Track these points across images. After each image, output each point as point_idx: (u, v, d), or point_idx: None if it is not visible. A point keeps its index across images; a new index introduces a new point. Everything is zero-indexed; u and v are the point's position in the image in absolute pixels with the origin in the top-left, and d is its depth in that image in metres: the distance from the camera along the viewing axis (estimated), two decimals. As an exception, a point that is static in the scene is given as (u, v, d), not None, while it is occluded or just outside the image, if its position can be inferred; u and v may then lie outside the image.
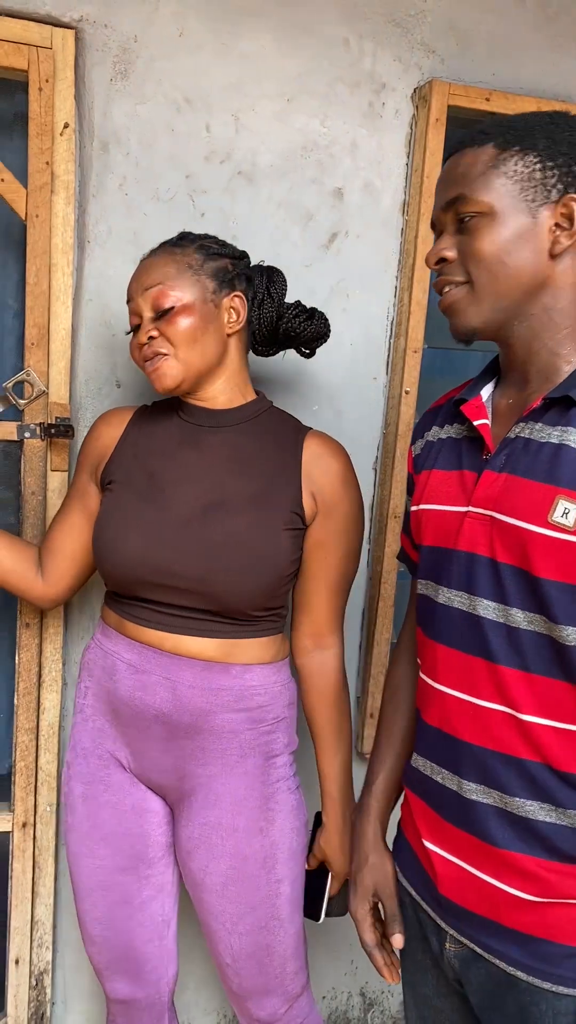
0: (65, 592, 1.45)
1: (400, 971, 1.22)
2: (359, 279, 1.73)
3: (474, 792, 1.02)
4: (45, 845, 1.68)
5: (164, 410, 1.43)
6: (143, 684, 1.31)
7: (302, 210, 1.68)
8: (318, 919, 1.46)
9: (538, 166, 0.98)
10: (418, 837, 1.11)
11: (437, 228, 1.07)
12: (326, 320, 1.46)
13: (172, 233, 1.59)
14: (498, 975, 1.03)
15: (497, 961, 1.02)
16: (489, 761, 1.01)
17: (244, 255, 1.40)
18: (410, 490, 1.24)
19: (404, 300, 1.73)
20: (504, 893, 1.01)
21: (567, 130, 1.00)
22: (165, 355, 1.29)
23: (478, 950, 1.04)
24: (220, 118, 1.62)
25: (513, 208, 0.98)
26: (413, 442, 1.23)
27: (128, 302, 1.34)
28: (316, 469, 1.35)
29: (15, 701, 1.63)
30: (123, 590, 1.34)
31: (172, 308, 1.29)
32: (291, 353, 1.65)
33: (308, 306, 1.46)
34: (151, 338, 1.30)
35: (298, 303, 1.44)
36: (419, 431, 1.22)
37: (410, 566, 1.28)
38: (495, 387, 1.11)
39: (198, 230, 1.60)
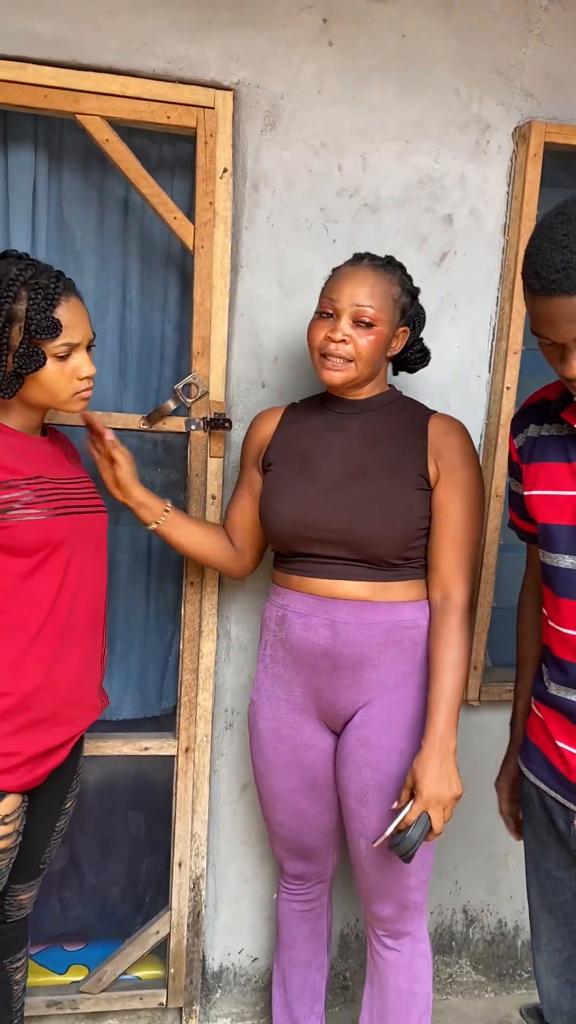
0: (252, 561, 1.80)
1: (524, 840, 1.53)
2: (466, 291, 2.02)
3: None
4: (201, 769, 2.02)
5: (312, 404, 1.74)
6: (308, 625, 1.63)
7: (417, 234, 1.98)
8: (406, 859, 1.50)
9: None
10: (551, 740, 1.39)
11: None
12: (429, 358, 1.78)
13: (310, 258, 1.92)
14: None
15: None
16: None
17: (415, 291, 1.68)
18: (513, 473, 1.52)
19: (505, 309, 2.01)
20: None
21: None
22: (349, 362, 1.58)
23: None
24: (350, 159, 1.93)
25: None
26: (514, 435, 1.49)
27: (328, 296, 1.59)
28: (440, 441, 1.61)
29: (180, 647, 1.97)
30: (284, 548, 1.66)
31: (371, 326, 1.57)
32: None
33: (424, 347, 1.76)
34: (344, 340, 1.57)
35: (421, 341, 1.75)
36: (518, 426, 1.47)
37: (519, 534, 1.57)
38: None
39: (330, 255, 1.92)
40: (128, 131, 1.85)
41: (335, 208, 1.94)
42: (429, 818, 1.51)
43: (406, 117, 1.93)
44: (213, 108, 1.83)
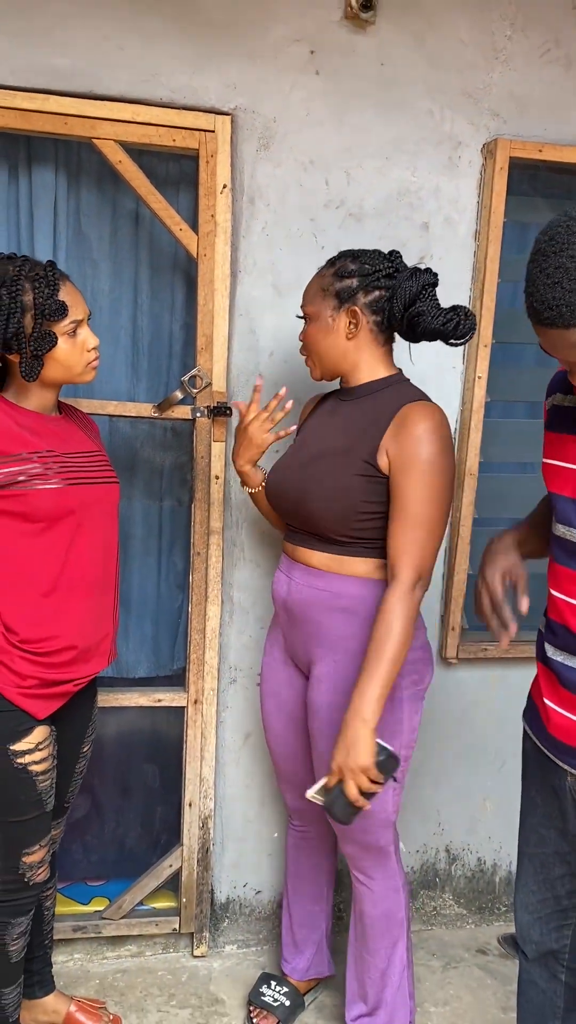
0: None
1: (508, 640, 1.55)
2: (442, 291, 2.24)
3: None
4: (209, 719, 2.27)
5: (330, 393, 1.94)
6: (277, 580, 1.91)
7: (397, 241, 2.21)
8: (340, 821, 1.65)
9: None
10: (541, 696, 1.54)
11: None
12: (469, 317, 1.69)
13: (301, 263, 2.16)
14: None
15: None
16: None
17: (378, 268, 1.71)
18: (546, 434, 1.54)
19: (476, 306, 2.25)
20: None
21: None
22: (308, 356, 1.84)
23: None
24: (336, 174, 2.16)
25: None
26: (549, 395, 1.53)
27: None
28: (396, 431, 1.67)
29: (189, 609, 2.22)
30: (278, 514, 1.92)
31: (308, 321, 1.81)
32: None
33: (439, 307, 1.71)
34: (302, 342, 1.84)
35: (434, 302, 1.70)
36: (550, 390, 1.52)
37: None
38: None
39: (319, 260, 2.15)
40: (138, 152, 2.09)
41: (323, 218, 2.17)
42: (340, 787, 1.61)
43: (385, 136, 2.17)
44: (213, 131, 2.07)
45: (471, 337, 1.73)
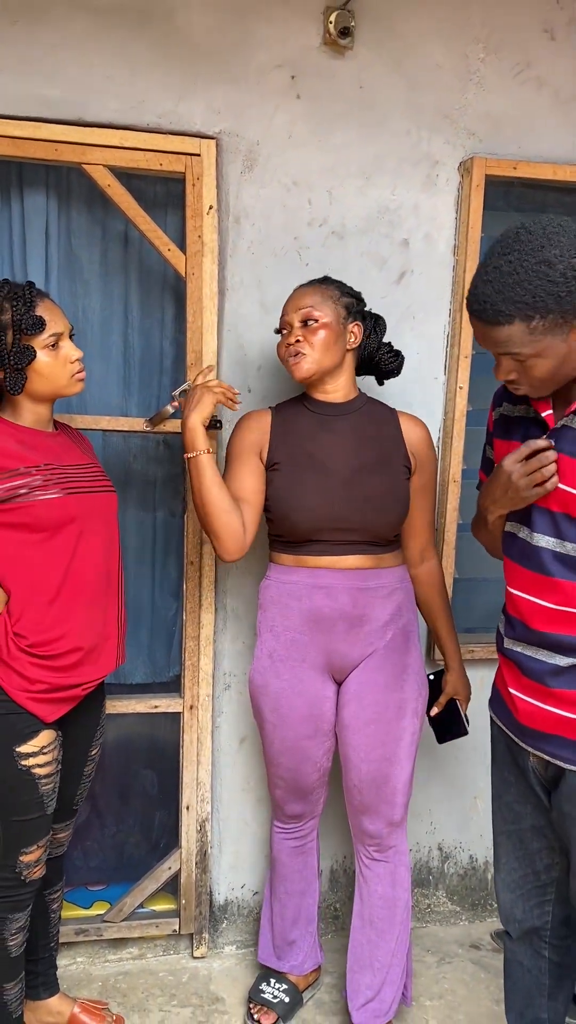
0: (250, 540, 1.93)
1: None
2: (422, 305, 2.33)
3: (540, 654, 1.54)
4: (204, 725, 2.33)
5: (293, 406, 2.02)
6: (327, 594, 1.94)
7: (379, 257, 2.29)
8: (465, 732, 2.17)
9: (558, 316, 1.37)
10: (506, 687, 1.63)
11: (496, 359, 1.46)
12: (403, 362, 2.09)
13: (286, 280, 2.23)
14: (556, 768, 1.55)
15: (559, 762, 1.53)
16: (550, 639, 1.52)
17: (360, 302, 1.99)
18: (488, 440, 1.71)
19: (457, 319, 2.33)
20: (556, 715, 1.52)
21: (552, 275, 1.33)
22: (304, 355, 1.90)
23: (546, 757, 1.56)
24: (318, 194, 2.24)
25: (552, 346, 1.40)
26: (494, 407, 1.68)
27: (282, 316, 1.94)
28: (412, 436, 2.01)
29: (183, 618, 2.28)
30: (300, 537, 1.94)
31: (317, 322, 1.89)
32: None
33: (395, 349, 2.07)
34: (297, 341, 1.90)
35: (390, 344, 2.07)
36: (497, 400, 1.67)
37: None
38: None
39: (304, 277, 2.23)
40: (127, 176, 2.16)
41: (307, 237, 2.25)
42: (456, 703, 2.17)
43: (365, 156, 2.25)
44: (199, 155, 2.14)
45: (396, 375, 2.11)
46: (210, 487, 1.87)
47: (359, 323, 1.96)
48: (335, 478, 1.92)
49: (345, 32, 2.15)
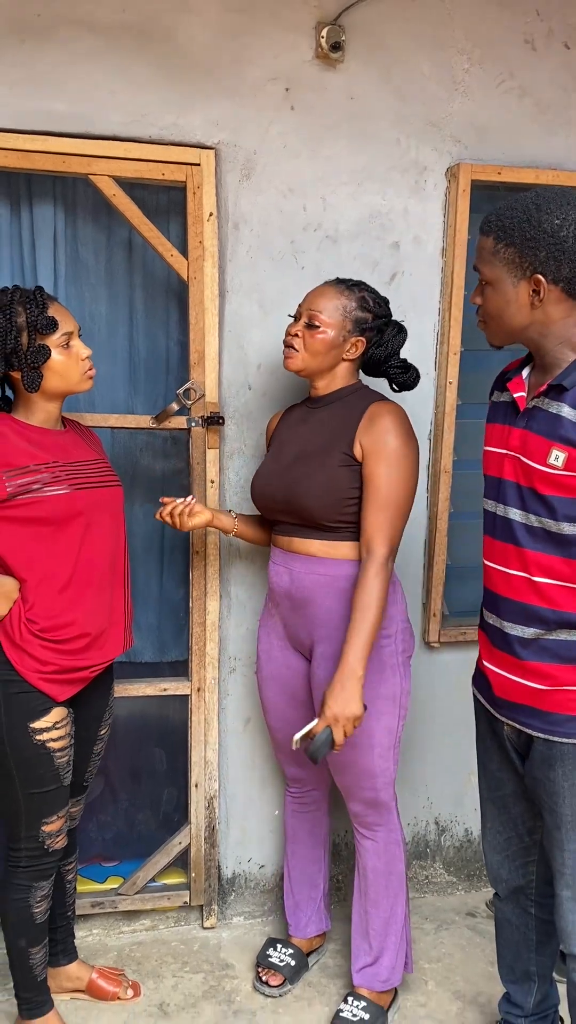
0: None
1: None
2: (413, 305, 2.45)
3: (506, 626, 1.65)
4: (211, 706, 2.45)
5: (299, 404, 2.17)
6: (276, 572, 2.09)
7: (371, 260, 2.41)
8: (312, 760, 1.82)
9: (516, 254, 1.56)
10: (482, 660, 1.75)
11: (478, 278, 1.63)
12: (417, 377, 2.12)
13: (283, 282, 2.35)
14: (527, 736, 1.67)
15: (528, 730, 1.65)
16: (516, 607, 1.62)
17: (386, 313, 2.04)
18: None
19: (446, 318, 2.45)
20: (525, 686, 1.63)
21: (536, 226, 1.50)
22: (296, 352, 2.01)
23: (517, 726, 1.67)
24: (313, 201, 2.35)
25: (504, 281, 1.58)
26: (491, 393, 1.78)
27: (300, 303, 2.04)
28: (368, 423, 1.95)
29: (190, 605, 2.40)
30: (264, 515, 2.13)
31: (317, 328, 1.99)
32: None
33: (407, 364, 2.11)
34: (296, 335, 2.01)
35: (404, 360, 2.11)
36: (492, 390, 1.78)
37: None
38: (531, 370, 1.68)
39: (300, 279, 2.35)
40: (130, 185, 2.28)
41: (302, 241, 2.37)
42: (331, 732, 1.83)
43: (357, 164, 2.36)
44: (199, 164, 2.26)
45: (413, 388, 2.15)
46: (255, 540, 2.24)
47: (362, 339, 2.01)
48: (280, 464, 2.07)
49: (336, 46, 2.27)
